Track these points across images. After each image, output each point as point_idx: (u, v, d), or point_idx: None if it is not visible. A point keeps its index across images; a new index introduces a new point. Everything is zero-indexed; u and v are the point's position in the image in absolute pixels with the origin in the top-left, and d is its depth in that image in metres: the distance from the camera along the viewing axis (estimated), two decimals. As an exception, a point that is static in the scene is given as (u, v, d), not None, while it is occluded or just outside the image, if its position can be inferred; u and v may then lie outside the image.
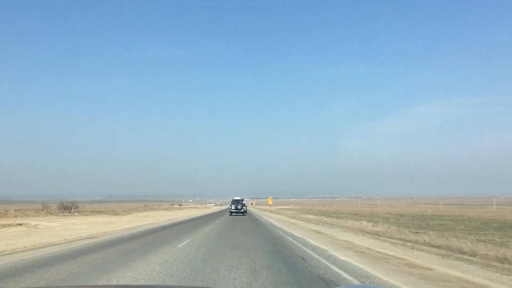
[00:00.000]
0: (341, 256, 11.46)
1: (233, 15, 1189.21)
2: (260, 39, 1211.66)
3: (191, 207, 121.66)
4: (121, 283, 7.44)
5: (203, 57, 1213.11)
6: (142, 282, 7.46)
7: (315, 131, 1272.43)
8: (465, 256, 10.93)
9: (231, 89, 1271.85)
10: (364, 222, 29.29)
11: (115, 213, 46.17)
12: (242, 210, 47.88)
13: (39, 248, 13.39)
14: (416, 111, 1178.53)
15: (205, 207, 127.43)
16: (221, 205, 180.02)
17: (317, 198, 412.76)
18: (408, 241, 15.26)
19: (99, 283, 7.41)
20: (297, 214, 47.70)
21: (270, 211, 64.39)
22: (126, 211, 52.33)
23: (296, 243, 15.33)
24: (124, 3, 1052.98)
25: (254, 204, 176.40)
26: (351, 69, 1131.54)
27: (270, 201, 63.57)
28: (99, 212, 47.84)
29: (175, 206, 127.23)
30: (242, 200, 50.86)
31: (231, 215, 46.72)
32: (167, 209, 78.03)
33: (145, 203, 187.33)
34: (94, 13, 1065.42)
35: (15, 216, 41.28)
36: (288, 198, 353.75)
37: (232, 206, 48.43)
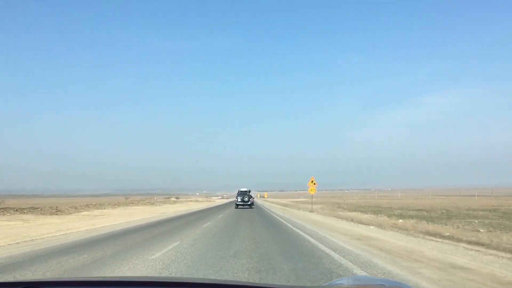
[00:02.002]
0: None
1: (238, 5, 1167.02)
2: (266, 29, 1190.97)
3: (191, 201, 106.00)
4: None
5: (207, 48, 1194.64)
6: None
7: (321, 123, 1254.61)
8: None
9: (237, 81, 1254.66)
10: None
11: (55, 211, 29.54)
12: (249, 203, 45.57)
13: None
14: (424, 102, 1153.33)
15: (207, 201, 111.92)
16: (227, 197, 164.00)
17: (324, 190, 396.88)
18: None
19: None
20: (333, 211, 31.73)
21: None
22: (76, 208, 35.04)
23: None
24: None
25: (265, 196, 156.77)
26: (359, 61, 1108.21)
27: (312, 190, 31.30)
28: (34, 209, 30.61)
29: (171, 199, 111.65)
30: (249, 191, 47.63)
31: (237, 207, 44.02)
32: (153, 204, 61.50)
33: (152, 196, 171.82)
34: (98, 4, 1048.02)
35: None
36: (295, 191, 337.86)
37: (238, 198, 45.85)
